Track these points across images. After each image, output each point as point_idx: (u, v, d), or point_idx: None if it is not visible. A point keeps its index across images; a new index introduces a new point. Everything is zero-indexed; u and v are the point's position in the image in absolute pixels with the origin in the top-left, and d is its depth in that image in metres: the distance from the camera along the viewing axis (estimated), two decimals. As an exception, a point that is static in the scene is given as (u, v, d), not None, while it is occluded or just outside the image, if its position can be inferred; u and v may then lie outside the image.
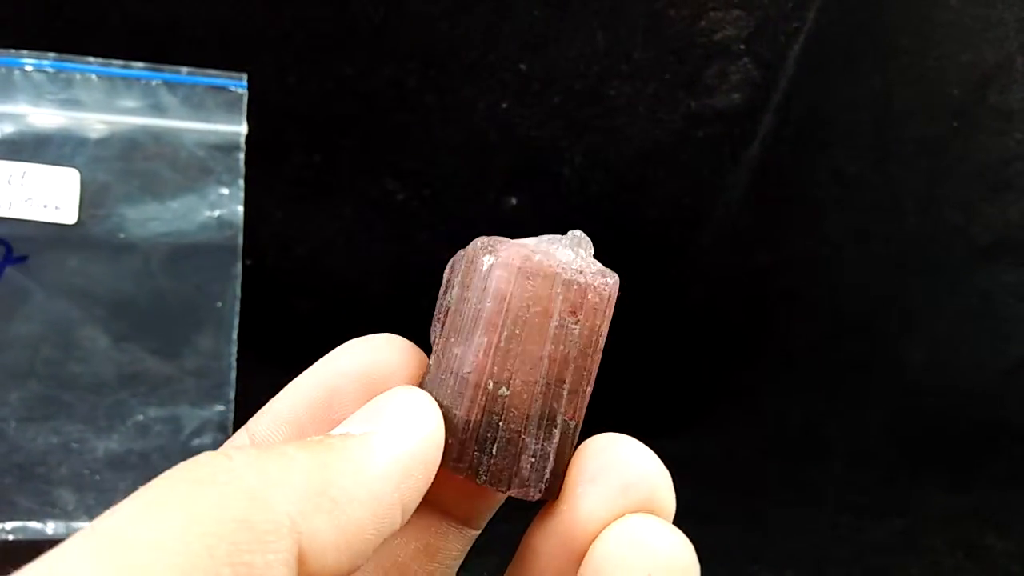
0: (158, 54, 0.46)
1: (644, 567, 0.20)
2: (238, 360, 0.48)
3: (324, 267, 0.53)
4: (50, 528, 0.46)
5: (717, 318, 0.57)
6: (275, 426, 0.24)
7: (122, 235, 0.47)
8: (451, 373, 0.22)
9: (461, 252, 0.24)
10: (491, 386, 0.22)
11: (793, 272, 0.56)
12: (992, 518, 0.54)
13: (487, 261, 0.22)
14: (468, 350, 0.22)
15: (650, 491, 0.22)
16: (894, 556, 0.52)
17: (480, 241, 0.23)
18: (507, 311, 0.22)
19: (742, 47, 0.50)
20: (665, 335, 0.57)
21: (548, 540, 0.23)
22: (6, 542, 0.45)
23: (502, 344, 0.22)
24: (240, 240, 0.47)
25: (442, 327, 0.23)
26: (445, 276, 0.24)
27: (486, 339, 0.22)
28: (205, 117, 0.47)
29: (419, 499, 0.21)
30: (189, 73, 0.47)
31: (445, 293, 0.24)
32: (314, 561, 0.18)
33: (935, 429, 0.57)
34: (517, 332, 0.22)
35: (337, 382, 0.24)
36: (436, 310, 0.24)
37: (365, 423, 0.21)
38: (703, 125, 0.52)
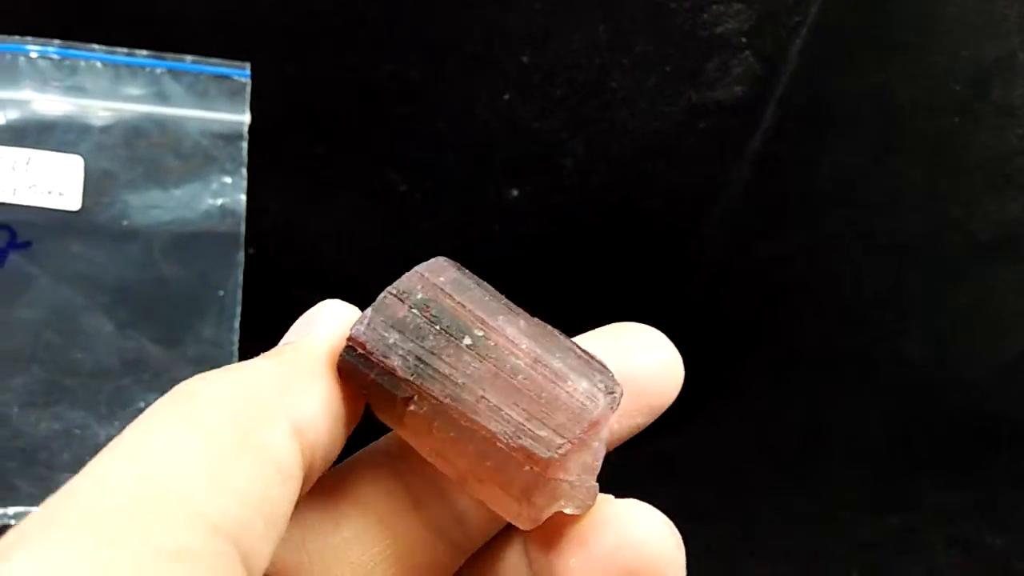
0: (162, 42, 0.47)
1: None
2: (239, 348, 0.48)
3: (326, 257, 0.53)
4: (51, 512, 0.46)
5: (717, 311, 0.57)
6: None
7: (125, 222, 0.47)
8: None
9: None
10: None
11: (793, 265, 0.56)
12: (991, 515, 0.54)
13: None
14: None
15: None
16: (891, 552, 0.52)
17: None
18: None
19: (744, 40, 0.50)
20: (664, 327, 0.57)
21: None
22: (8, 527, 0.45)
23: None
24: (243, 229, 0.48)
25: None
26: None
27: None
28: (209, 105, 0.47)
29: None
30: (193, 61, 0.47)
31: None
32: (306, 434, 0.20)
33: (934, 425, 0.57)
34: None
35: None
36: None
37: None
38: (704, 118, 0.52)
